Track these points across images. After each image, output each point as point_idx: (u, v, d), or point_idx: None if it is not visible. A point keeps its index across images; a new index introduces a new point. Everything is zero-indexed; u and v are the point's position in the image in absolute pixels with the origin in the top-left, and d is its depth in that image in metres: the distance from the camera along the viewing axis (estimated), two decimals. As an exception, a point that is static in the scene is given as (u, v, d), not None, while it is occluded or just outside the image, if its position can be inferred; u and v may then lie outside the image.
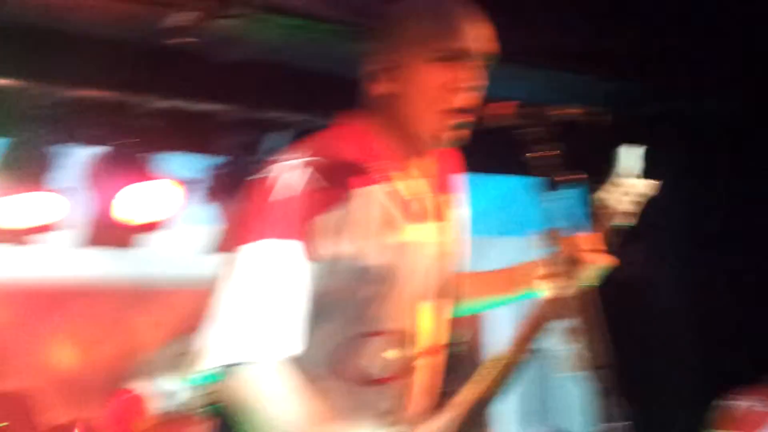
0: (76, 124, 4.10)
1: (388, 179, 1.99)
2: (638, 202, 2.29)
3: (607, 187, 2.27)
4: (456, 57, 1.95)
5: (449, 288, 2.12)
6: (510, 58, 4.21)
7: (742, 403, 3.75)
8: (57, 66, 3.95)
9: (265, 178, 1.95)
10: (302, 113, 4.22)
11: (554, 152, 1.76)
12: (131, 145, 4.18)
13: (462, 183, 2.24)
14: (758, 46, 4.54)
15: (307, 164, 1.91)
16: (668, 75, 4.60)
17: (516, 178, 4.88)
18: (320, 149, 1.96)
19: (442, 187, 2.14)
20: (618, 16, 4.28)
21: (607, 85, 4.65)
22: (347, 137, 2.01)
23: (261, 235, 1.88)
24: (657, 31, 4.35)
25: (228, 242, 1.93)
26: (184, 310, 5.35)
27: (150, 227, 4.38)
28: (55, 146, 4.05)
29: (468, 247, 2.27)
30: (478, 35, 1.98)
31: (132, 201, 4.25)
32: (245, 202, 1.97)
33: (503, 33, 2.01)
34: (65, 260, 4.88)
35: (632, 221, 2.27)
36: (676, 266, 5.38)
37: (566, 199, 1.82)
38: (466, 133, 1.99)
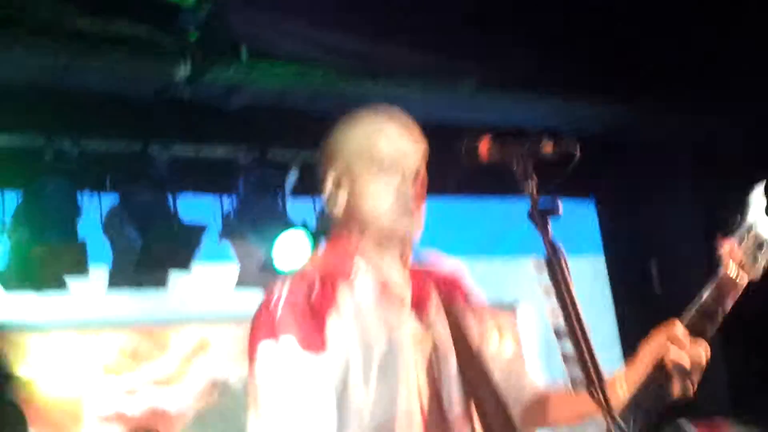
0: (101, 174, 4.40)
1: (379, 270, 2.04)
2: None
3: (740, 239, 2.01)
4: (401, 172, 2.02)
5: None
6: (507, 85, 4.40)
7: None
8: (79, 121, 4.27)
9: (270, 290, 2.00)
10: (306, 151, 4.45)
11: (537, 183, 1.75)
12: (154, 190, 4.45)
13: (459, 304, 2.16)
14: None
15: (300, 276, 2.00)
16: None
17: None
18: (311, 262, 2.19)
19: (420, 303, 2.10)
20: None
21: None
22: (335, 245, 2.10)
23: (261, 338, 1.92)
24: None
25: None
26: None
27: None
28: (80, 195, 4.33)
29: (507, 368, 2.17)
30: (418, 151, 2.06)
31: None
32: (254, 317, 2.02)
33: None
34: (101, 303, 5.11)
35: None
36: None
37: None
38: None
